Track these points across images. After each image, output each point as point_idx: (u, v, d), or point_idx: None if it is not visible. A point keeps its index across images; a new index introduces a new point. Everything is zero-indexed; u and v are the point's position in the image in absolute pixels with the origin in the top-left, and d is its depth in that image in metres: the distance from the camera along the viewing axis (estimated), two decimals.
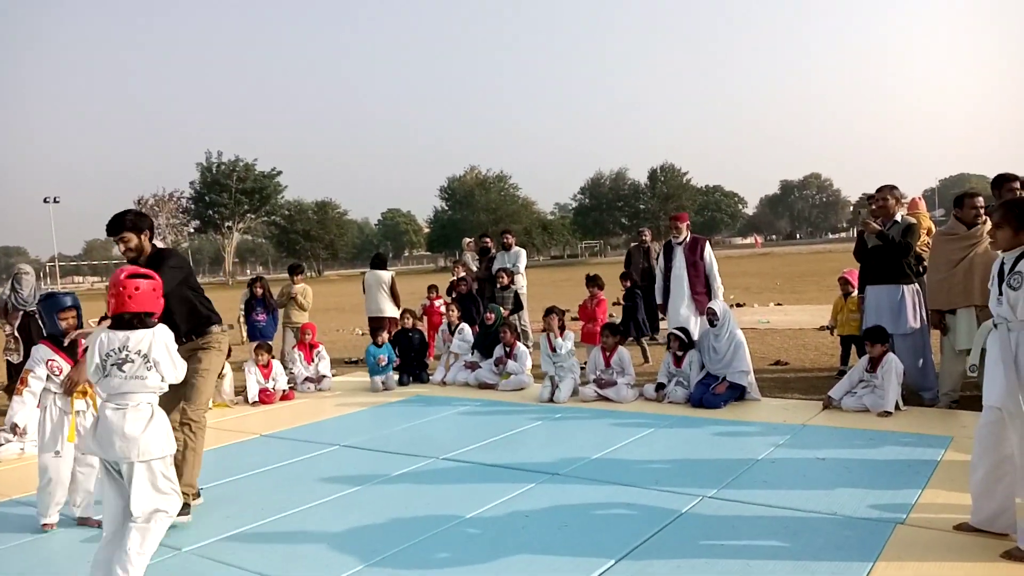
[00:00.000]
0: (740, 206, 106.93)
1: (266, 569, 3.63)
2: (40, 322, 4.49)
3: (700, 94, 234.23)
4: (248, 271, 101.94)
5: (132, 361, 3.32)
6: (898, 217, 6.54)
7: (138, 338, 3.36)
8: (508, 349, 8.37)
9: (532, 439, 6.00)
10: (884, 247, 6.43)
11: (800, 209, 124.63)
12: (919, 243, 6.64)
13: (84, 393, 4.44)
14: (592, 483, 4.69)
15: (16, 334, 7.96)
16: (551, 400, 7.22)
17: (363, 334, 14.92)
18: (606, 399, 7.05)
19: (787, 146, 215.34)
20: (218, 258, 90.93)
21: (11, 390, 7.21)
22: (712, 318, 6.81)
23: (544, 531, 3.94)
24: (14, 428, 4.38)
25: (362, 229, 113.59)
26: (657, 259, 8.12)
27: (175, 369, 3.46)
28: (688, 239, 7.60)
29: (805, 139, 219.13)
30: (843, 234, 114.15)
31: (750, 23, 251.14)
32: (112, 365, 3.32)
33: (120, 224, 4.30)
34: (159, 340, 3.40)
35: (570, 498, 4.44)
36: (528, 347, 8.96)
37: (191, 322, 4.55)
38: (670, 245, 7.72)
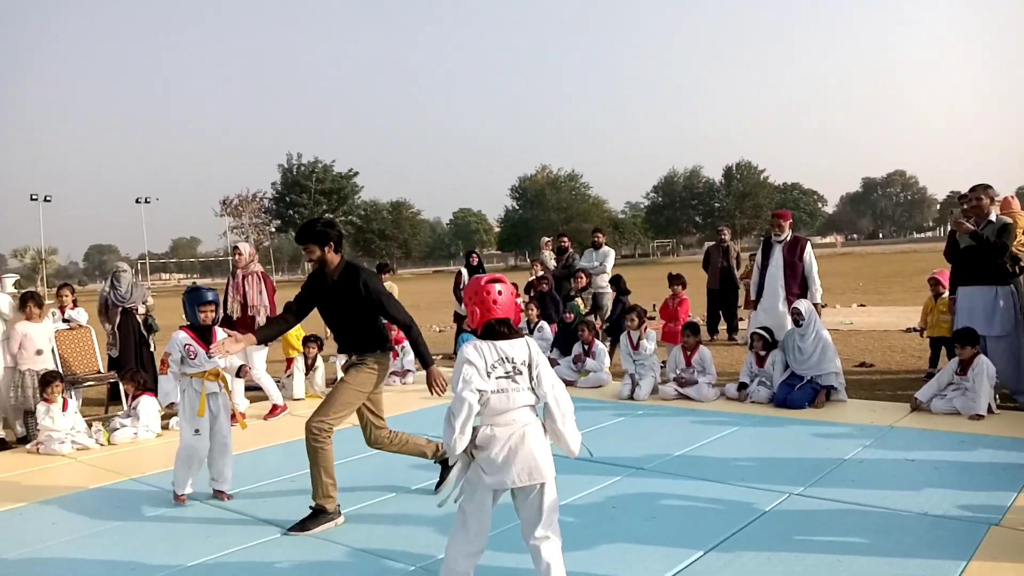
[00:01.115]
0: (820, 204, 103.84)
1: (383, 545, 3.86)
2: (184, 312, 4.89)
3: (777, 89, 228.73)
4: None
5: (521, 372, 3.00)
6: (992, 216, 6.38)
7: (521, 348, 3.05)
8: (587, 347, 8.49)
9: (615, 434, 6.11)
10: (978, 247, 6.29)
11: (883, 207, 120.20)
12: (1015, 243, 6.47)
13: (216, 375, 4.87)
14: (677, 478, 4.78)
15: (116, 331, 8.36)
16: (631, 398, 7.31)
17: (441, 331, 15.26)
18: (687, 398, 7.10)
19: (869, 142, 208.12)
20: (296, 256, 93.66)
21: (121, 381, 7.72)
22: (797, 317, 6.77)
23: (633, 521, 4.07)
24: (171, 405, 5.03)
25: (434, 228, 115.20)
26: (752, 257, 8.06)
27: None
28: (789, 238, 7.49)
29: (889, 135, 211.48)
30: (929, 233, 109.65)
31: (829, 15, 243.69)
32: (500, 378, 2.96)
33: (305, 234, 4.34)
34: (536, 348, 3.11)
35: (656, 491, 4.54)
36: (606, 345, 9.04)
37: (366, 339, 4.42)
38: (769, 242, 7.62)
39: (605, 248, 11.17)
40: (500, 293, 3.09)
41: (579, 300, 10.17)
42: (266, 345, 5.39)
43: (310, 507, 4.23)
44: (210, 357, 4.79)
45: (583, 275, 10.33)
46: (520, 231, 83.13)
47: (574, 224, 70.68)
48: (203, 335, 4.87)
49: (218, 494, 4.88)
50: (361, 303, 4.31)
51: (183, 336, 4.83)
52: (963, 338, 6.06)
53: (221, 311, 5.04)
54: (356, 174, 77.28)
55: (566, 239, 11.51)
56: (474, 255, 11.47)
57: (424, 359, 4.40)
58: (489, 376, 2.93)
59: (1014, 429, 5.45)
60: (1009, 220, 6.44)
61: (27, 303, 7.04)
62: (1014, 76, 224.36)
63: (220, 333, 4.85)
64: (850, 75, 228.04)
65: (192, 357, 4.81)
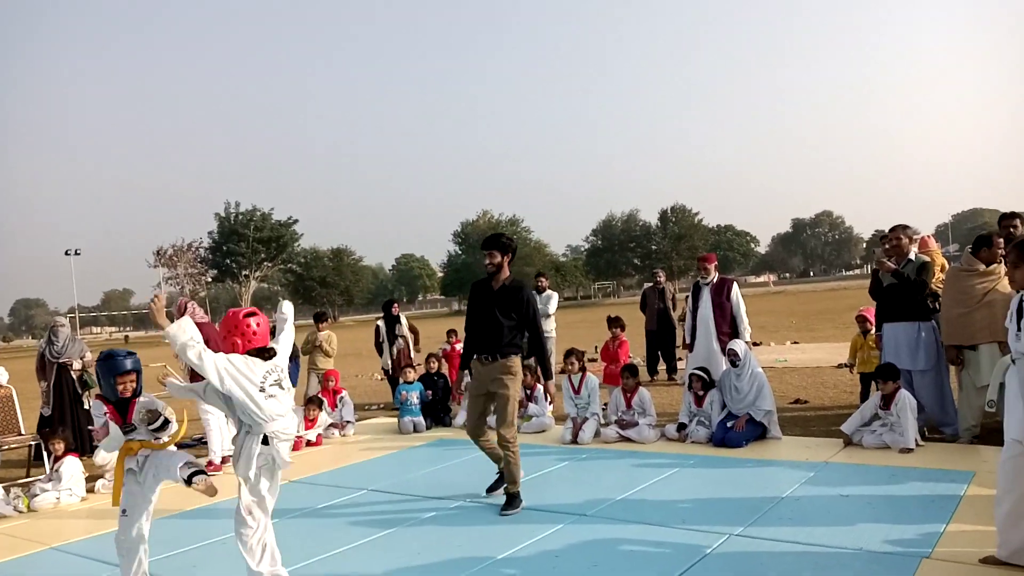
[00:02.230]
0: (752, 245, 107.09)
1: None
2: (98, 383, 4.20)
3: (709, 135, 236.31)
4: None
5: (284, 378, 3.85)
6: (911, 255, 6.66)
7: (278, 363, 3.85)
8: (529, 391, 8.48)
9: (558, 480, 6.08)
10: (900, 285, 6.55)
11: (813, 247, 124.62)
12: (934, 280, 6.76)
13: (135, 450, 4.05)
14: (619, 523, 4.77)
15: (51, 388, 8.08)
16: (574, 441, 7.30)
17: (382, 379, 15.05)
18: (628, 440, 7.13)
19: (798, 185, 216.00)
20: (234, 306, 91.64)
21: (45, 439, 7.37)
22: (734, 358, 6.91)
23: (575, 570, 4.03)
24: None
25: (376, 275, 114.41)
26: (686, 299, 8.26)
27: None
28: (715, 280, 7.72)
29: (816, 177, 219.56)
30: (857, 271, 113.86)
31: (755, 63, 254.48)
32: (273, 384, 3.78)
33: (494, 242, 5.31)
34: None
35: (599, 538, 4.52)
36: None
37: (513, 342, 5.33)
38: (698, 286, 7.85)
39: (548, 292, 11.27)
40: (259, 325, 3.73)
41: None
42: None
43: (508, 492, 5.25)
44: (127, 433, 4.03)
45: None
46: (464, 276, 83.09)
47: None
48: (122, 408, 4.08)
49: None
50: (523, 312, 5.25)
51: (99, 406, 4.10)
52: (884, 373, 6.27)
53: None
54: (295, 222, 76.49)
55: None
56: (395, 305, 11.40)
57: (546, 373, 5.62)
58: (264, 383, 3.64)
59: (942, 461, 5.63)
60: (927, 259, 6.74)
61: None
62: (937, 119, 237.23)
63: (144, 404, 4.08)
64: (778, 119, 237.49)
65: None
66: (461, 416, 9.00)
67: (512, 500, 5.22)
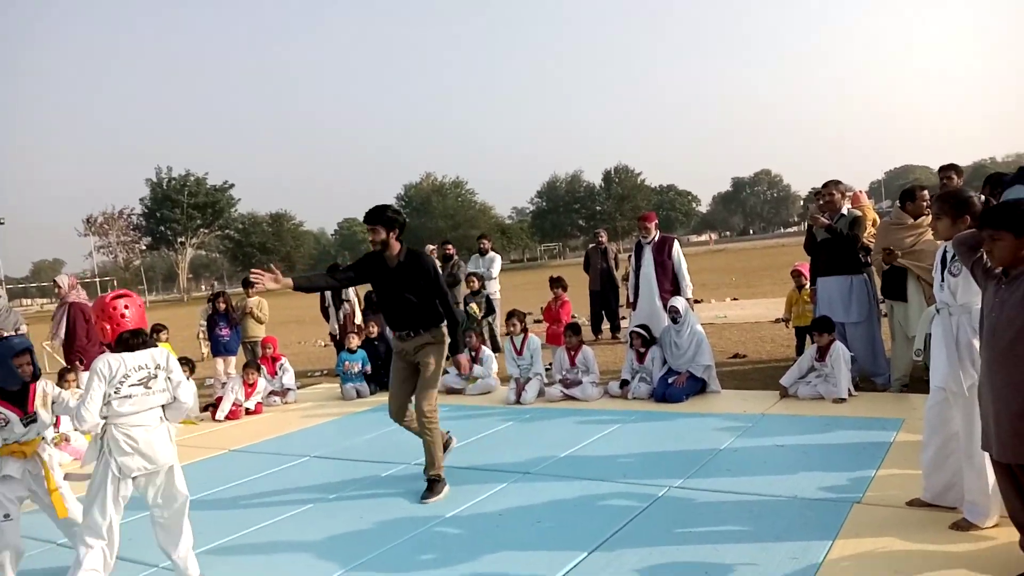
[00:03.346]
0: (694, 204, 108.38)
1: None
2: None
3: (649, 95, 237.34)
4: (203, 287, 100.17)
5: (156, 377, 3.56)
6: (844, 211, 6.80)
7: (155, 356, 3.60)
8: (474, 353, 8.46)
9: (502, 440, 6.10)
10: (832, 240, 6.68)
11: (752, 205, 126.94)
12: (866, 234, 6.92)
13: (25, 454, 3.78)
14: (562, 479, 4.81)
15: None
16: (518, 402, 7.33)
17: (326, 345, 14.85)
18: (572, 398, 7.19)
19: (737, 144, 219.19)
20: (171, 274, 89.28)
21: None
22: (674, 315, 6.99)
23: (519, 528, 4.06)
24: None
25: (319, 239, 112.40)
26: (629, 259, 8.30)
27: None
28: (656, 238, 7.77)
29: (755, 136, 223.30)
30: (794, 228, 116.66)
31: (693, 22, 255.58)
32: (135, 385, 3.54)
33: (376, 216, 4.76)
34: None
35: (542, 495, 4.55)
36: (502, 349, 9.06)
37: (430, 316, 4.90)
38: (640, 245, 7.88)
39: (492, 254, 11.23)
40: (127, 307, 3.58)
41: (473, 305, 10.16)
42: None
43: (429, 478, 4.77)
44: (27, 425, 3.75)
45: (475, 279, 10.35)
46: (407, 239, 78.50)
47: (461, 231, 70.72)
48: (16, 399, 3.78)
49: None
50: (428, 284, 4.79)
51: None
52: (819, 326, 6.44)
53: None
54: (232, 186, 74.33)
55: (450, 247, 11.48)
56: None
57: (455, 346, 5.10)
58: (121, 386, 3.42)
59: (872, 410, 5.82)
60: (859, 213, 6.89)
61: None
62: (870, 77, 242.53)
63: (40, 388, 3.86)
64: (719, 78, 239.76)
65: (3, 425, 3.72)
66: None
67: (433, 485, 4.73)
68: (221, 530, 4.41)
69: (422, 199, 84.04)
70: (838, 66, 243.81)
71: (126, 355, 3.49)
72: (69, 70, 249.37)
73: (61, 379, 7.43)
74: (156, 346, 3.63)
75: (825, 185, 6.94)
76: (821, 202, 6.96)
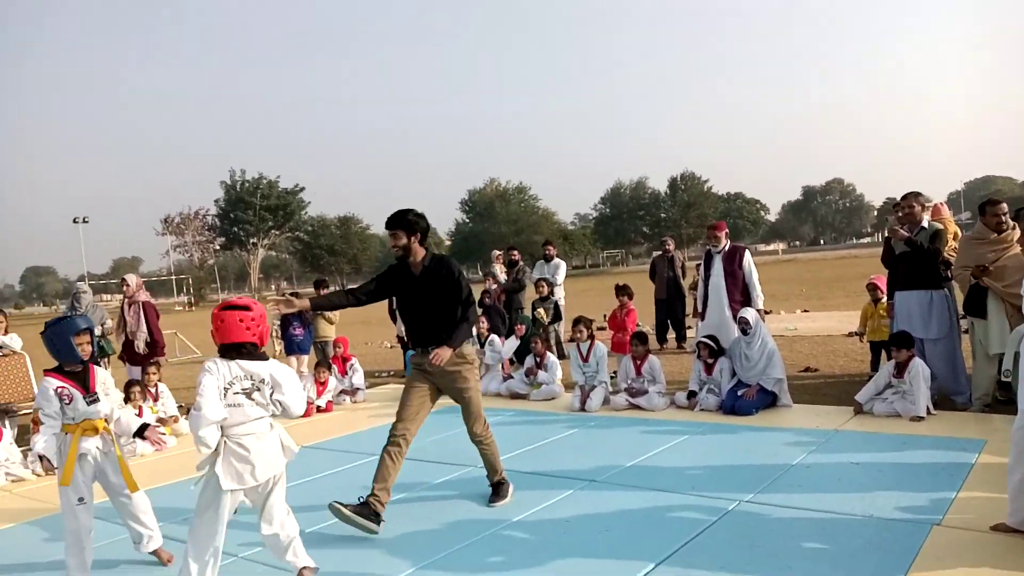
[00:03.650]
0: (762, 213, 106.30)
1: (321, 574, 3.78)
2: (52, 350, 3.94)
3: (718, 101, 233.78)
4: (273, 287, 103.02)
5: (260, 389, 3.46)
6: (924, 223, 6.60)
7: (258, 367, 3.49)
8: (538, 359, 8.50)
9: (567, 447, 6.12)
10: (912, 253, 6.49)
11: (823, 215, 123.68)
12: (947, 248, 6.70)
13: (96, 430, 3.95)
14: (630, 489, 4.80)
15: None
16: (582, 409, 7.33)
17: (392, 347, 15.11)
18: (638, 407, 7.15)
19: (809, 152, 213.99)
20: (243, 274, 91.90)
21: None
22: (744, 326, 6.89)
23: (586, 535, 4.07)
24: (41, 459, 3.91)
25: (384, 243, 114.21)
26: (697, 268, 8.21)
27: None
28: (727, 248, 7.65)
29: (827, 144, 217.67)
30: (867, 239, 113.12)
31: (767, 28, 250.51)
32: (238, 394, 3.44)
33: (397, 221, 4.48)
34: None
35: (609, 504, 4.55)
36: (566, 356, 9.08)
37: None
38: (709, 254, 7.79)
39: (557, 260, 11.28)
40: (222, 320, 3.45)
41: (541, 311, 10.23)
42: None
43: (494, 483, 4.75)
44: (90, 404, 3.91)
45: (544, 285, 10.42)
46: (471, 244, 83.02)
47: (524, 236, 70.94)
48: (79, 378, 3.93)
49: (157, 554, 4.13)
50: (453, 289, 4.45)
51: (52, 382, 3.88)
52: (899, 341, 6.25)
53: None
54: (302, 189, 76.25)
55: (516, 252, 11.56)
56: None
57: (449, 339, 4.51)
58: (225, 393, 3.34)
59: (952, 429, 5.62)
60: (940, 226, 6.67)
61: None
62: (945, 86, 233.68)
63: (100, 372, 4.06)
64: (790, 85, 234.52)
65: (68, 402, 3.86)
66: None
67: (498, 489, 4.74)
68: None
69: (485, 204, 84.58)
70: (914, 74, 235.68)
71: (229, 363, 3.42)
72: (151, 76, 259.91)
73: (128, 390, 7.53)
74: (265, 359, 3.52)
75: (905, 197, 6.75)
76: (900, 214, 6.77)
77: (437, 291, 4.49)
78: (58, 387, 3.86)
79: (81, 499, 3.86)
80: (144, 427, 4.26)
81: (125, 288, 8.56)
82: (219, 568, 3.89)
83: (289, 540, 3.58)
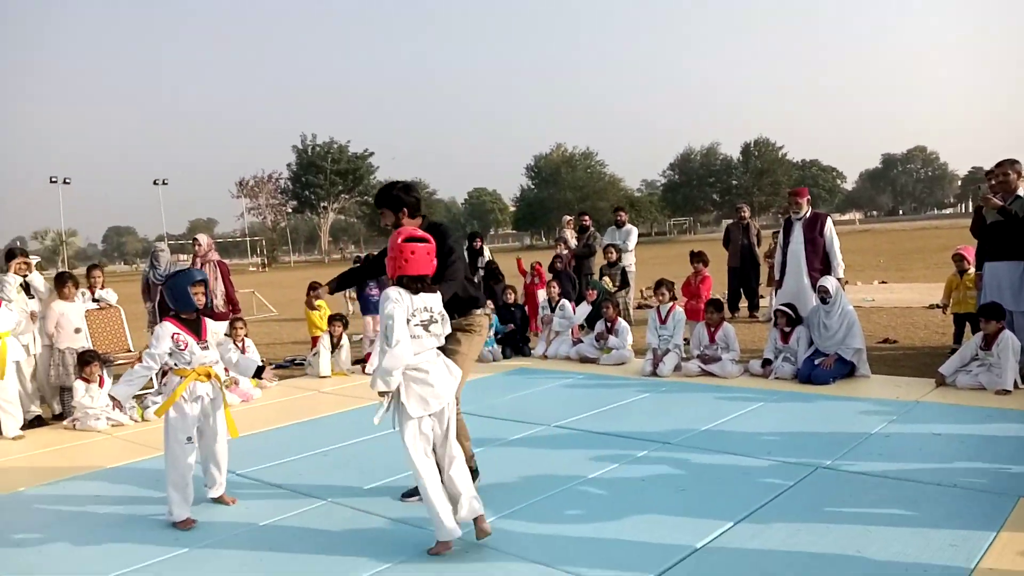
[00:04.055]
0: (839, 181, 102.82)
1: (406, 522, 3.96)
2: (170, 299, 4.29)
3: (796, 64, 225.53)
4: (341, 249, 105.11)
5: (436, 321, 3.55)
6: (1020, 191, 6.34)
7: (434, 300, 3.59)
8: (609, 324, 8.54)
9: (639, 410, 6.17)
10: (1005, 223, 6.26)
11: (903, 184, 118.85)
12: None
13: (208, 375, 4.24)
14: (704, 452, 4.84)
15: (156, 309, 8.63)
16: (654, 374, 7.36)
17: None
18: (710, 374, 7.14)
19: (890, 119, 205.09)
20: (313, 237, 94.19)
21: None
22: (824, 295, 6.78)
23: (662, 493, 4.14)
24: (112, 400, 4.19)
25: (449, 208, 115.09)
26: (774, 235, 8.06)
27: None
28: (808, 215, 7.48)
29: (909, 111, 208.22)
30: (950, 210, 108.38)
31: None
32: (418, 326, 3.48)
33: (381, 198, 4.32)
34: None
35: (683, 465, 4.61)
36: (630, 323, 9.09)
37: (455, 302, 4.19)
38: (789, 221, 7.63)
39: (628, 226, 11.24)
40: (420, 252, 3.52)
41: (607, 278, 10.23)
42: (329, 291, 4.76)
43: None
44: (203, 350, 4.20)
45: (613, 250, 10.41)
46: (536, 210, 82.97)
47: (590, 203, 70.44)
48: (193, 326, 4.23)
49: (218, 500, 4.37)
50: (448, 261, 4.14)
51: (170, 327, 4.16)
52: (988, 313, 6.07)
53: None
54: (371, 154, 77.41)
55: (587, 218, 11.55)
56: (478, 239, 11.57)
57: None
58: (408, 324, 3.40)
59: None
60: None
61: (65, 283, 7.18)
62: None
63: (211, 324, 4.38)
64: (870, 49, 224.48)
65: (182, 349, 4.14)
66: (540, 347, 9.17)
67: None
68: (378, 473, 4.73)
69: (551, 170, 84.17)
70: (999, 35, 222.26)
71: (412, 295, 3.50)
72: (225, 43, 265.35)
73: (231, 327, 8.12)
74: (436, 292, 3.61)
75: (999, 164, 6.49)
76: (994, 182, 6.52)
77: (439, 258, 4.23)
78: (175, 333, 4.15)
79: (189, 438, 4.15)
80: (261, 369, 4.56)
81: (196, 248, 8.62)
82: (321, 511, 4.14)
83: (459, 464, 3.59)
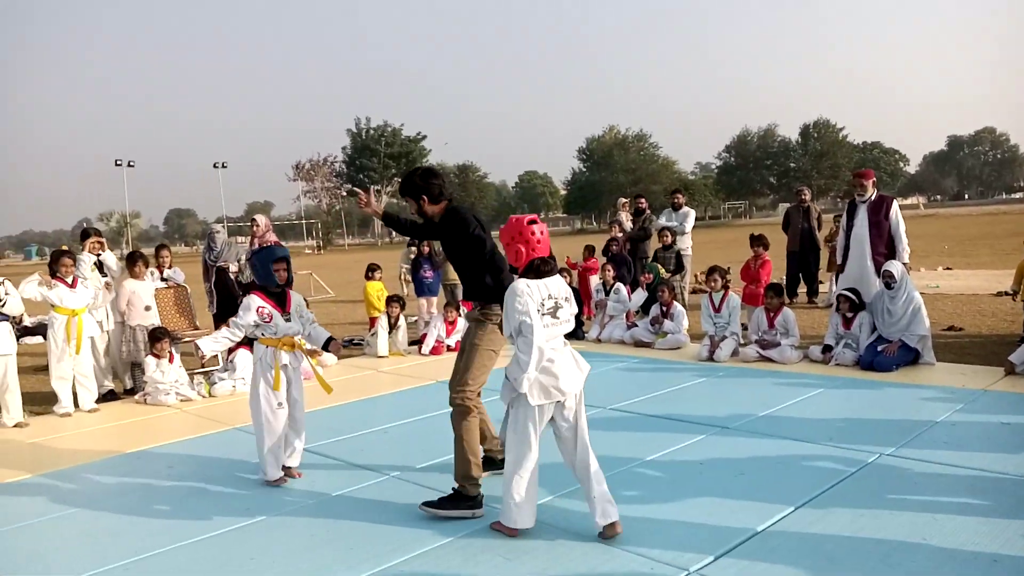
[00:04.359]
0: (901, 164, 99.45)
1: None
2: (254, 274, 4.59)
3: (857, 45, 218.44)
4: (394, 233, 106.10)
5: (562, 306, 3.45)
6: None
7: (556, 283, 3.46)
8: (665, 308, 8.49)
9: (696, 395, 6.15)
10: None
11: (970, 167, 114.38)
12: None
13: (292, 345, 4.51)
14: (763, 437, 4.81)
15: (213, 288, 8.88)
16: (710, 359, 7.31)
17: None
18: (769, 360, 7.06)
19: (957, 99, 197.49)
20: (366, 220, 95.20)
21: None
22: (889, 280, 6.63)
23: (721, 477, 4.14)
24: (199, 353, 4.40)
25: (500, 192, 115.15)
26: (835, 219, 7.87)
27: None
28: (873, 197, 7.28)
29: (978, 90, 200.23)
30: (1020, 194, 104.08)
31: None
32: (546, 314, 3.38)
33: (403, 188, 4.23)
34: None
35: (742, 450, 4.58)
36: (685, 308, 9.02)
37: (484, 287, 4.08)
38: (853, 203, 7.45)
39: (685, 209, 11.10)
40: (542, 233, 3.47)
41: (658, 264, 10.14)
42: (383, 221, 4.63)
43: (452, 488, 3.87)
44: (287, 322, 4.47)
45: (668, 234, 10.30)
46: (587, 194, 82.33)
47: (642, 186, 69.56)
48: (278, 299, 4.50)
49: (287, 471, 4.54)
50: (467, 247, 4.03)
51: (256, 300, 4.44)
52: None
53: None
54: (424, 138, 77.82)
55: (643, 200, 11.45)
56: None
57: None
58: (539, 313, 3.31)
59: None
60: None
61: (136, 262, 7.45)
62: None
63: (295, 296, 4.62)
64: (934, 27, 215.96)
65: (267, 321, 4.42)
66: (594, 330, 9.16)
67: (448, 498, 3.84)
68: (434, 450, 4.81)
69: (604, 152, 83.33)
70: None
71: (537, 281, 3.43)
72: (280, 26, 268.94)
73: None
74: (562, 275, 3.52)
75: None
76: None
77: (451, 248, 4.18)
78: (260, 306, 4.42)
79: (280, 404, 4.42)
80: (330, 340, 4.69)
81: (255, 228, 8.65)
82: (384, 485, 4.25)
83: (593, 468, 3.47)
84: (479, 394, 4.04)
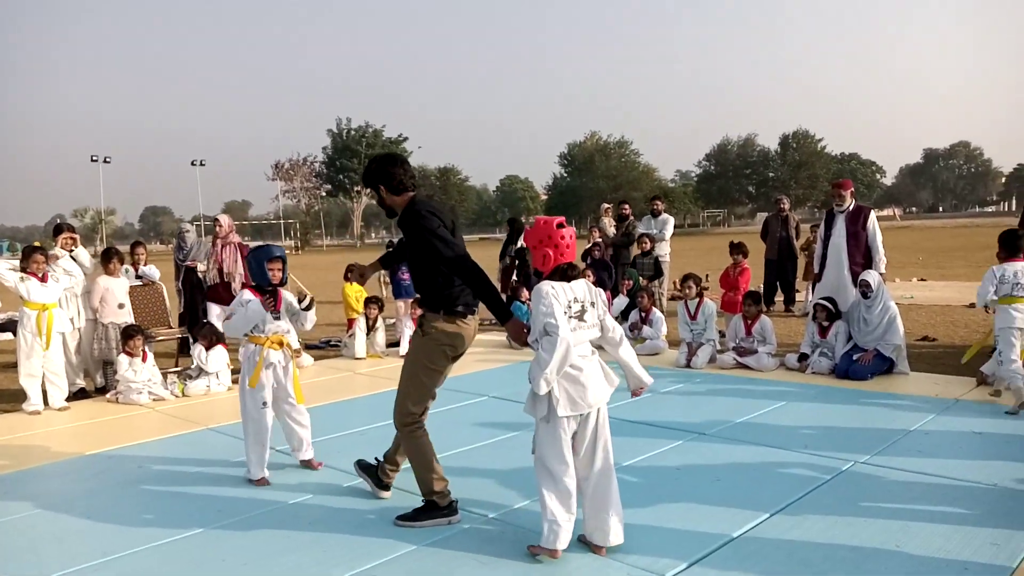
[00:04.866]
0: (878, 176, 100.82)
1: (458, 495, 3.98)
2: (249, 271, 4.55)
3: (836, 56, 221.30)
4: (374, 234, 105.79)
5: (587, 310, 3.29)
6: None
7: (581, 287, 3.32)
8: (644, 314, 8.51)
9: (673, 401, 6.16)
10: None
11: (944, 180, 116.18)
12: None
13: (280, 343, 4.50)
14: (739, 443, 4.83)
15: (180, 287, 8.79)
16: (688, 365, 7.33)
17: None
18: (745, 367, 7.10)
19: (932, 113, 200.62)
20: (345, 221, 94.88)
21: (193, 334, 8.01)
22: (866, 289, 6.69)
23: (697, 483, 4.14)
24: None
25: (480, 196, 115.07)
26: (812, 229, 7.94)
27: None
28: (851, 207, 7.35)
29: (952, 105, 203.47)
30: (992, 208, 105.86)
31: None
32: (572, 318, 3.22)
33: (365, 176, 3.88)
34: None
35: (719, 456, 4.60)
36: (663, 313, 9.05)
37: (431, 294, 3.76)
38: (831, 213, 7.52)
39: (664, 215, 11.16)
40: (570, 237, 3.41)
41: (633, 271, 10.17)
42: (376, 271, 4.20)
43: (422, 501, 3.78)
44: (276, 320, 4.46)
45: (647, 240, 10.35)
46: (568, 199, 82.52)
47: (623, 192, 69.88)
48: (271, 296, 4.49)
49: (306, 463, 4.64)
50: (421, 245, 3.59)
51: (248, 296, 4.45)
52: None
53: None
54: (405, 139, 77.66)
55: (627, 206, 11.48)
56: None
57: (501, 314, 3.58)
58: (565, 316, 3.17)
59: None
60: None
61: (111, 259, 7.34)
62: None
63: (287, 295, 4.59)
64: (911, 42, 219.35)
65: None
66: None
67: (425, 511, 3.74)
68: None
69: (585, 158, 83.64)
70: None
71: (562, 284, 3.28)
72: (265, 29, 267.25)
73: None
74: (585, 278, 3.35)
75: None
76: None
77: (409, 242, 3.71)
78: (249, 302, 4.41)
79: (264, 402, 4.42)
80: (310, 305, 4.68)
81: (217, 228, 8.33)
82: (358, 489, 4.19)
83: (613, 486, 3.32)
84: (427, 408, 3.88)
